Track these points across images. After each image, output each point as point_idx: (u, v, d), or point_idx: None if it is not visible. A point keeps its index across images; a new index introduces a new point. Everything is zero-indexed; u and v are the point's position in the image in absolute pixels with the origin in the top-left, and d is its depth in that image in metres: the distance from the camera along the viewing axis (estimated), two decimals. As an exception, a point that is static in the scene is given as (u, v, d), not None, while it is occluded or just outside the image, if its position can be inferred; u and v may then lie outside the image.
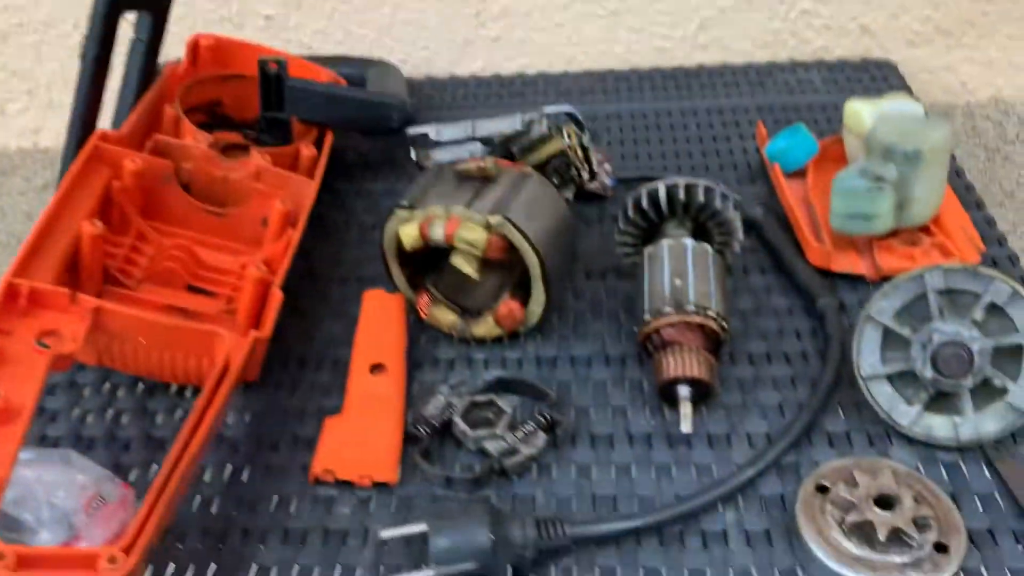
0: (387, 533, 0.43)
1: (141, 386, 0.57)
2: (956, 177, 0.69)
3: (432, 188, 0.56)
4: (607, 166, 0.70)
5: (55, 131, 0.97)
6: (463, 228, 0.53)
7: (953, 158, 0.70)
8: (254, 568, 0.46)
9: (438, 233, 0.53)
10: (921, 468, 0.48)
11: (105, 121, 0.67)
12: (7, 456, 0.42)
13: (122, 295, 0.57)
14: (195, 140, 0.64)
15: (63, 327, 0.49)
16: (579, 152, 0.59)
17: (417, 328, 0.59)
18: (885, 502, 0.43)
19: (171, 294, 0.59)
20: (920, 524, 0.42)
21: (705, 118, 0.80)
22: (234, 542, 0.47)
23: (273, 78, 0.67)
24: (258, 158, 0.63)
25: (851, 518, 0.43)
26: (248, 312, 0.55)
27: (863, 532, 0.43)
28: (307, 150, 0.67)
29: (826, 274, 0.60)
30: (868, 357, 0.49)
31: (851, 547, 0.42)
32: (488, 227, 0.53)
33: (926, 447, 0.49)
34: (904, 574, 0.41)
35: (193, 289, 0.61)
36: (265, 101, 0.68)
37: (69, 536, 0.43)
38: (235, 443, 0.53)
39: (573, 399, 0.54)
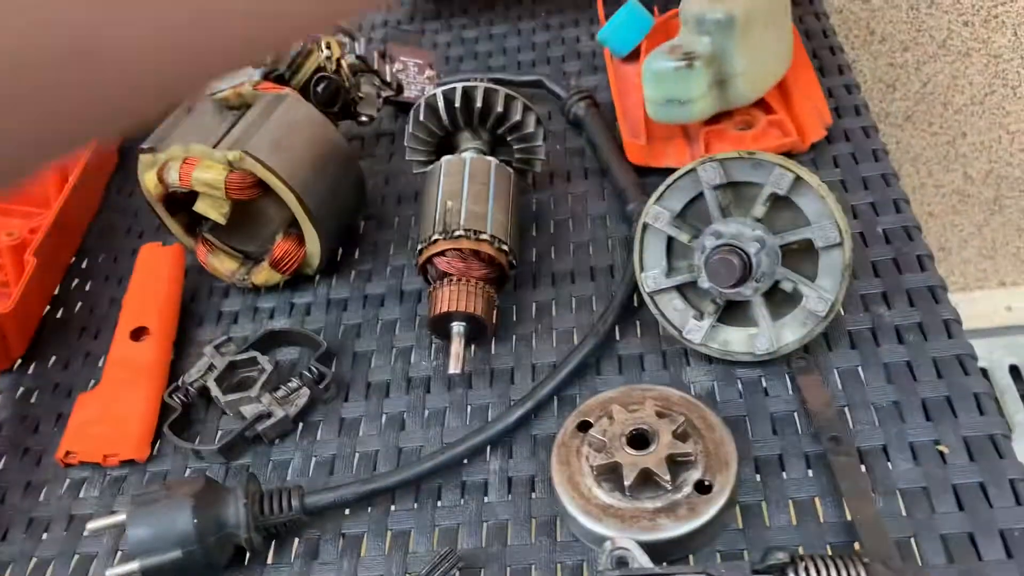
0: (92, 525, 0.39)
1: (-85, 373, 0.53)
2: (823, 38, 0.61)
3: (181, 125, 0.50)
4: (429, 72, 0.62)
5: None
6: (200, 168, 0.47)
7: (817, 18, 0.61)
8: (-9, 566, 0.43)
9: (173, 177, 0.47)
10: (717, 389, 0.42)
11: None
12: None
13: None
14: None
15: None
16: (344, 65, 0.52)
17: (206, 280, 0.54)
18: (640, 439, 0.38)
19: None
20: (680, 463, 0.37)
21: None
22: (-25, 539, 0.44)
23: None
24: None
25: (598, 460, 0.37)
26: (12, 283, 0.51)
27: (614, 476, 0.37)
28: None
29: (653, 172, 0.53)
30: (652, 269, 0.43)
31: (601, 494, 0.37)
32: (229, 164, 0.47)
33: (724, 364, 0.43)
34: (655, 521, 0.36)
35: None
36: None
37: None
38: (-2, 426, 0.49)
39: (358, 344, 0.49)
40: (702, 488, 0.37)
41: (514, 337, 0.47)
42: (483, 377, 0.46)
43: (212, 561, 0.38)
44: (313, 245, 0.50)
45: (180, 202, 0.52)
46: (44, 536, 0.43)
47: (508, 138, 0.51)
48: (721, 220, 0.41)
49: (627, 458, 0.37)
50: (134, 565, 0.38)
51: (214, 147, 0.47)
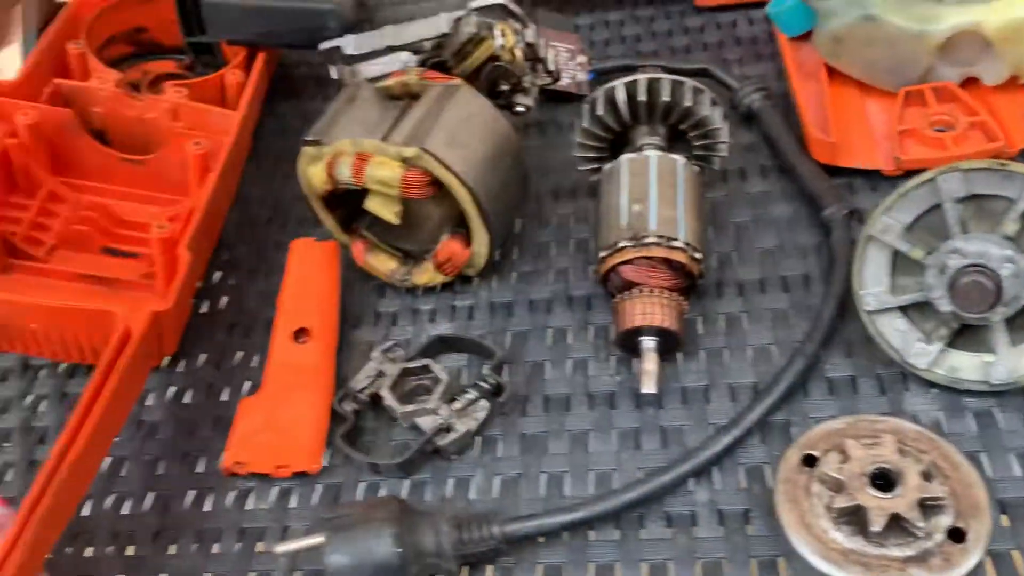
0: (282, 548, 0.37)
1: (63, 367, 0.51)
2: None
3: (344, 115, 0.47)
4: (582, 58, 0.59)
5: None
6: (373, 165, 0.44)
7: None
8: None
9: (345, 174, 0.45)
10: (943, 419, 0.39)
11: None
12: None
13: (30, 269, 0.52)
14: (102, 79, 0.57)
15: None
16: (517, 53, 0.49)
17: (357, 277, 0.52)
18: (884, 480, 0.34)
19: (87, 260, 0.53)
20: (929, 507, 0.34)
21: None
22: (144, 547, 0.42)
23: None
24: (172, 93, 0.56)
25: (839, 502, 0.34)
26: (162, 278, 0.49)
27: (855, 519, 0.34)
28: (232, 76, 0.59)
29: (841, 172, 0.49)
30: (873, 287, 0.40)
31: (840, 538, 0.34)
32: (404, 161, 0.44)
33: (950, 392, 0.39)
34: (906, 571, 0.33)
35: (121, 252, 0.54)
36: (184, 24, 0.60)
37: None
38: (153, 429, 0.47)
39: (528, 353, 0.46)
40: (956, 536, 0.33)
41: (703, 352, 0.44)
42: (674, 396, 0.42)
43: (410, 592, 0.36)
44: (481, 246, 0.47)
45: (337, 197, 0.49)
46: (215, 549, 0.41)
47: (689, 133, 0.47)
48: (961, 236, 0.37)
49: (872, 501, 0.34)
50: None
51: (382, 140, 0.45)
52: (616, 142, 0.49)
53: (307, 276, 0.50)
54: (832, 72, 0.53)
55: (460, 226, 0.48)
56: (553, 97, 0.58)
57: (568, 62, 0.58)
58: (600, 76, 0.59)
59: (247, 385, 0.48)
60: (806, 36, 0.55)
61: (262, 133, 0.62)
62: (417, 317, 0.49)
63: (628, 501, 0.38)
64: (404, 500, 0.38)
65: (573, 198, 0.53)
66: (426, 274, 0.49)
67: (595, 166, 0.49)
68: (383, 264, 0.50)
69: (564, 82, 0.57)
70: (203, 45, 0.61)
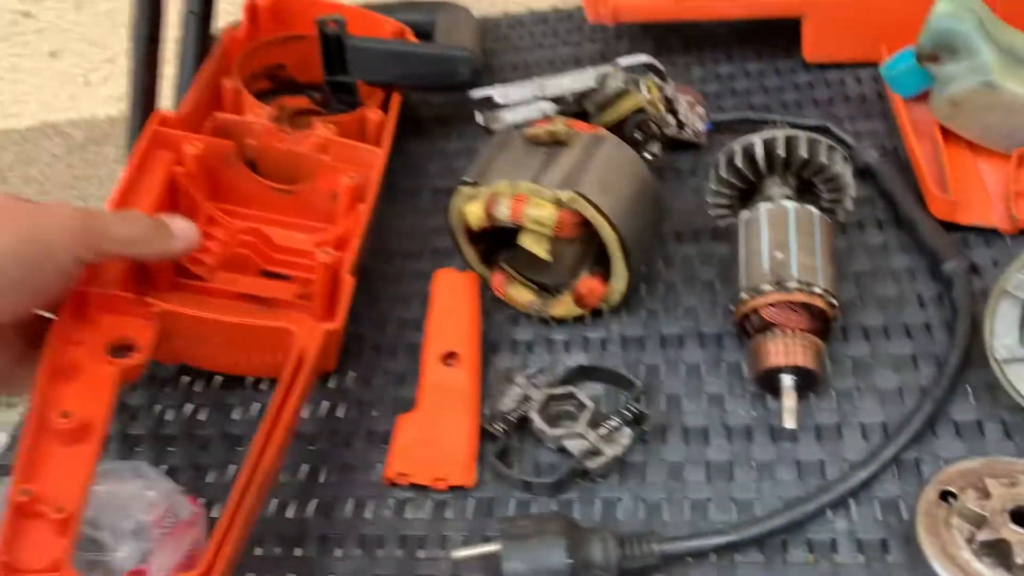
0: (459, 554, 0.41)
1: (218, 379, 0.55)
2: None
3: (497, 159, 0.51)
4: (700, 109, 0.63)
5: (139, 97, 0.97)
6: (531, 205, 0.48)
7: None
8: (330, 577, 0.44)
9: (504, 212, 0.49)
10: (1070, 465, 0.42)
11: (168, 100, 0.65)
12: (82, 478, 0.41)
13: (195, 287, 0.56)
14: (256, 114, 0.61)
15: (133, 334, 0.47)
16: (660, 106, 0.53)
17: (492, 306, 0.55)
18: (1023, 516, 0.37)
19: (245, 281, 0.57)
20: (1069, 544, 0.36)
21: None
22: (311, 549, 0.46)
23: (333, 39, 0.63)
24: (322, 128, 0.60)
25: (983, 535, 0.37)
26: (323, 300, 0.53)
27: (997, 551, 0.37)
28: (373, 115, 0.63)
29: (954, 227, 0.52)
30: (1004, 338, 0.43)
31: (983, 569, 0.37)
32: (558, 203, 0.48)
33: (1077, 440, 0.42)
34: (1048, 604, 0.35)
35: (269, 274, 0.59)
36: (327, 65, 0.65)
37: (144, 554, 0.42)
38: (311, 439, 0.51)
39: (663, 386, 0.49)
40: (1094, 573, 0.36)
41: (833, 392, 0.47)
42: (809, 432, 0.46)
43: (575, 600, 0.39)
44: (620, 284, 0.51)
45: (478, 233, 0.53)
46: (378, 553, 0.45)
47: (819, 187, 0.51)
48: (1094, 295, 0.40)
49: (1015, 536, 0.36)
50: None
51: (535, 183, 0.49)
52: (745, 192, 0.52)
53: (451, 303, 0.54)
54: (946, 131, 0.56)
55: (597, 264, 0.52)
56: (672, 145, 0.62)
57: (688, 113, 0.62)
58: (717, 127, 0.63)
59: (395, 403, 0.51)
60: (919, 97, 0.58)
61: (391, 169, 0.66)
62: (552, 347, 0.53)
63: (775, 527, 0.41)
64: (570, 517, 0.41)
65: (696, 241, 0.57)
66: (563, 307, 0.53)
67: (725, 212, 0.53)
68: (521, 295, 0.54)
69: (684, 132, 0.61)
70: (343, 84, 0.66)
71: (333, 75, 0.65)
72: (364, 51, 0.64)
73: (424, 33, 0.73)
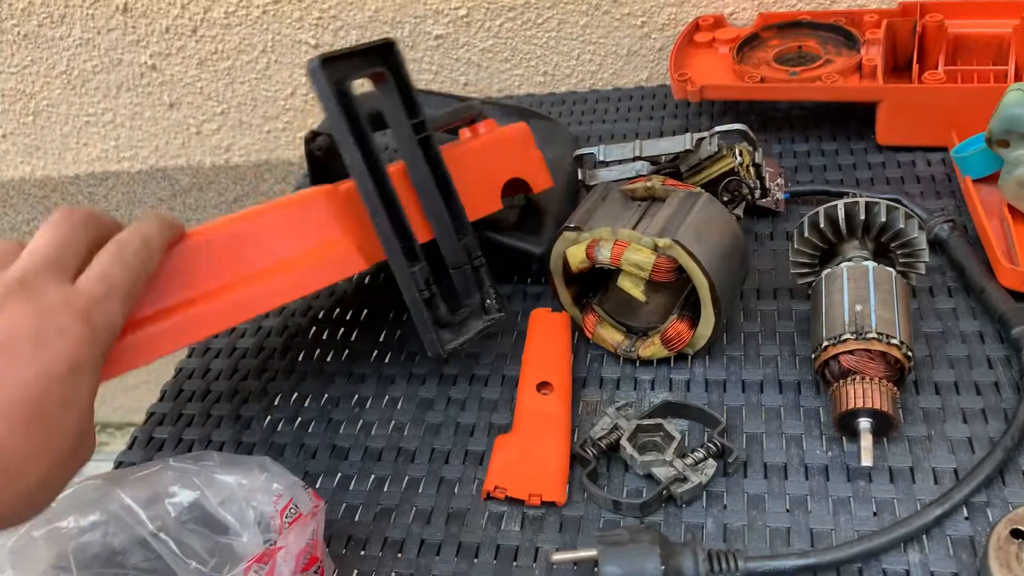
0: (558, 557, 0.44)
1: (326, 395, 0.60)
2: None
3: (598, 209, 0.56)
4: (780, 180, 0.68)
5: (244, 148, 1.05)
6: (630, 250, 0.53)
7: None
8: (430, 580, 0.48)
9: (604, 255, 0.53)
10: None
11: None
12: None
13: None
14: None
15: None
16: (751, 170, 0.58)
17: (581, 346, 0.60)
18: (1094, 555, 0.40)
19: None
20: None
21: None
22: (411, 552, 0.49)
23: None
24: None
25: (1054, 570, 0.40)
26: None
27: (1068, 586, 0.39)
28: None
29: (1021, 296, 0.56)
30: (1074, 393, 0.46)
31: (1054, 602, 0.39)
32: (655, 249, 0.52)
33: None
34: (1117, 636, 0.38)
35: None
36: None
37: (268, 542, 0.46)
38: (412, 456, 0.55)
39: (743, 426, 0.53)
40: None
41: (906, 439, 0.50)
42: (882, 473, 0.49)
43: (665, 607, 0.42)
44: (707, 329, 0.55)
45: (572, 276, 0.58)
46: (475, 560, 0.48)
47: (895, 251, 0.55)
48: None
49: (1085, 570, 0.39)
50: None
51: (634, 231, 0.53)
52: (825, 254, 0.57)
53: (546, 339, 0.58)
54: (1013, 209, 0.60)
55: (685, 309, 0.56)
56: (753, 211, 0.67)
57: (769, 182, 0.67)
58: (793, 197, 0.68)
59: (490, 427, 0.56)
60: (987, 178, 0.63)
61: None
62: (638, 385, 0.57)
63: (854, 554, 0.44)
64: (661, 531, 0.44)
65: (775, 298, 0.61)
66: (651, 348, 0.57)
67: (805, 271, 0.57)
68: (611, 336, 0.58)
69: (765, 200, 0.66)
70: None
71: None
72: None
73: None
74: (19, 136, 1.09)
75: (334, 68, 0.51)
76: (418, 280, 0.54)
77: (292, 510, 0.46)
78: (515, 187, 0.62)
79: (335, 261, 0.53)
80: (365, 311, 0.68)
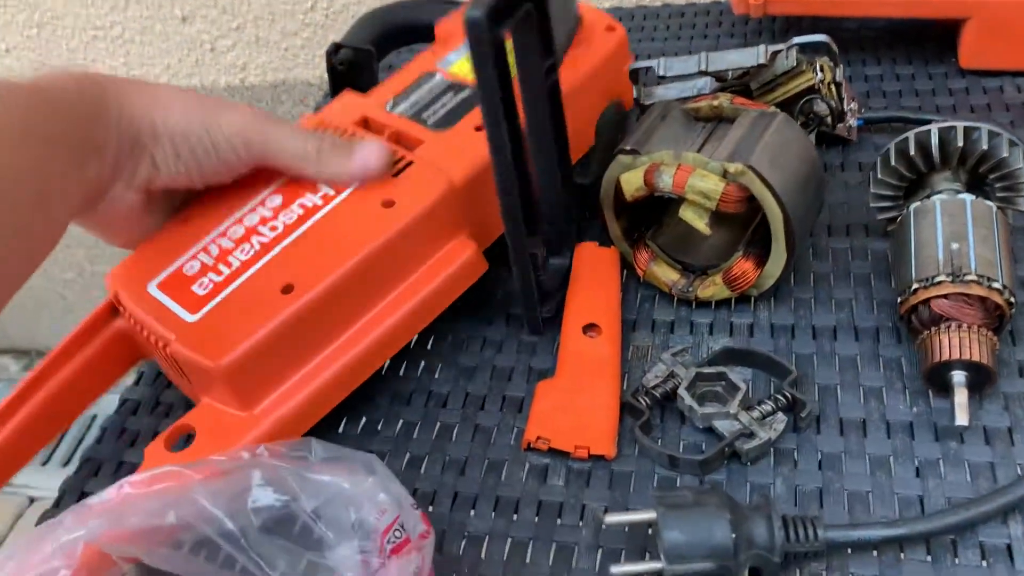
0: (612, 519, 0.39)
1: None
2: None
3: (657, 130, 0.50)
4: (853, 105, 0.61)
5: (260, 67, 0.98)
6: (696, 177, 0.46)
7: None
8: (464, 536, 0.43)
9: (666, 182, 0.47)
10: None
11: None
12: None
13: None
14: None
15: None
16: (832, 89, 0.51)
17: (629, 285, 0.54)
18: None
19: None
20: None
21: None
22: (443, 507, 0.45)
23: None
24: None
25: None
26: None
27: None
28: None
29: None
30: None
31: None
32: (725, 175, 0.46)
33: None
34: None
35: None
36: None
37: (362, 553, 0.36)
38: (444, 399, 0.50)
39: (814, 376, 0.47)
40: None
41: (1003, 395, 0.44)
42: (976, 433, 0.43)
43: (734, 578, 0.37)
44: (776, 268, 0.49)
45: (623, 206, 0.52)
46: (515, 517, 0.44)
47: (994, 183, 0.48)
48: None
49: None
50: (655, 565, 0.37)
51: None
52: (910, 187, 0.50)
53: (592, 277, 0.53)
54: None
55: (750, 246, 0.50)
56: (821, 138, 0.60)
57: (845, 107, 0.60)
58: (868, 124, 0.61)
59: (530, 372, 0.50)
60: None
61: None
62: (695, 329, 0.51)
63: (948, 524, 0.38)
64: (728, 494, 0.39)
65: (847, 235, 0.55)
66: (711, 288, 0.51)
67: (887, 205, 0.51)
68: (665, 274, 0.52)
69: (838, 126, 0.59)
70: None
71: None
72: None
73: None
74: (23, 51, 1.02)
75: (494, 18, 0.39)
76: (537, 261, 0.48)
77: (397, 532, 0.37)
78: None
79: (466, 267, 0.48)
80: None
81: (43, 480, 1.36)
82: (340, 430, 0.49)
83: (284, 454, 0.39)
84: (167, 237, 0.48)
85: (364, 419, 0.50)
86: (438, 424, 0.49)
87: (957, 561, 0.38)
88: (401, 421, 0.49)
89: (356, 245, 0.45)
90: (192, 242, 0.47)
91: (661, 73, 0.54)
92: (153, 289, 0.45)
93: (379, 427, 0.49)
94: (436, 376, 0.51)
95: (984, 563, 0.38)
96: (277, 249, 0.46)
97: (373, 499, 0.36)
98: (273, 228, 0.47)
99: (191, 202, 0.49)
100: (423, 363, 0.52)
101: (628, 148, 0.49)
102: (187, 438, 0.44)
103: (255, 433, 0.43)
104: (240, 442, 0.43)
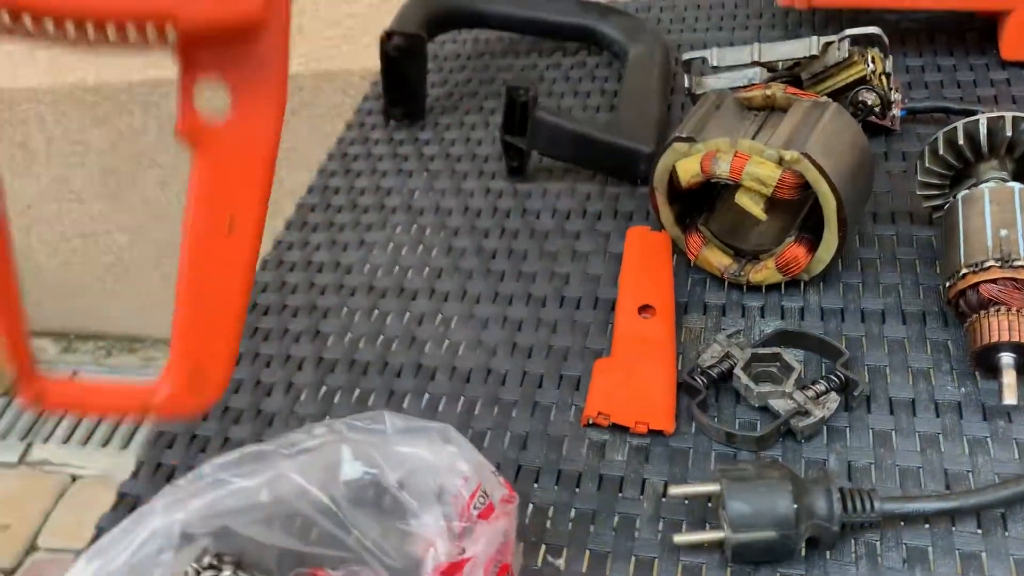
0: (676, 491, 0.41)
1: (408, 313, 0.57)
2: None
3: (712, 118, 0.52)
4: (897, 96, 0.62)
5: (302, 56, 1.00)
6: (752, 163, 0.48)
7: None
8: (530, 507, 0.45)
9: (723, 168, 0.49)
10: None
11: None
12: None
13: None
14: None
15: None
16: (883, 80, 0.52)
17: (680, 269, 0.56)
18: None
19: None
20: None
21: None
22: (507, 478, 0.46)
23: (519, 105, 0.61)
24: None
25: None
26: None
27: None
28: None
29: None
30: None
31: None
32: (780, 162, 0.48)
33: None
34: None
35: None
36: (507, 124, 0.63)
37: (445, 519, 0.37)
38: (503, 378, 0.52)
39: (864, 358, 0.49)
40: None
41: (1050, 377, 0.46)
42: (1023, 412, 0.45)
43: (793, 547, 0.39)
44: (827, 253, 0.51)
45: (675, 192, 0.53)
46: (577, 490, 0.45)
47: (1037, 171, 0.50)
48: None
49: None
50: (717, 534, 0.39)
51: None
52: (957, 176, 0.52)
53: (645, 259, 0.54)
54: None
55: (802, 231, 0.52)
56: (865, 128, 0.61)
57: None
58: (911, 114, 0.62)
59: (585, 352, 0.52)
60: None
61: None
62: (746, 312, 0.53)
63: (1000, 498, 0.40)
64: (789, 466, 0.41)
65: (893, 223, 0.56)
66: (762, 272, 0.52)
67: (933, 193, 0.52)
68: (717, 259, 0.54)
69: (890, 114, 0.60)
70: (515, 146, 0.64)
71: (510, 135, 0.63)
72: (548, 127, 0.62)
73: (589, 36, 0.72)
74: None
75: None
76: None
77: (482, 498, 0.38)
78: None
79: None
80: (444, 226, 0.64)
81: (84, 459, 1.39)
82: (404, 405, 0.51)
83: (361, 427, 0.40)
84: None
85: (427, 396, 0.52)
86: (498, 402, 0.51)
87: (1007, 534, 0.40)
88: (463, 398, 0.51)
89: None
90: None
91: (715, 63, 0.55)
92: None
93: (440, 405, 0.51)
94: (495, 355, 0.53)
95: (1034, 535, 0.40)
96: None
97: (454, 467, 0.38)
98: None
99: None
100: (481, 343, 0.54)
101: (684, 135, 0.51)
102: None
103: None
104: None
